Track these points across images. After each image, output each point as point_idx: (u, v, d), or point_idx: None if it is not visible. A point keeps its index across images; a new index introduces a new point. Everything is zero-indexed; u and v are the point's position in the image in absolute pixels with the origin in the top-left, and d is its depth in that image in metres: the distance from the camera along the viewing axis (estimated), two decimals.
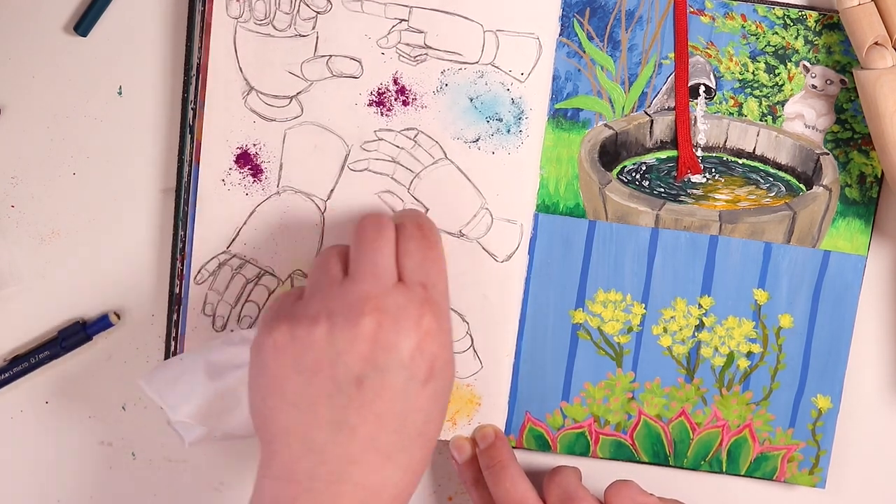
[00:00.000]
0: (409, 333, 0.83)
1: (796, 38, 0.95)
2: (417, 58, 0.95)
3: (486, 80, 0.95)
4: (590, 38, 0.96)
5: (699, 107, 0.96)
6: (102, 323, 0.98)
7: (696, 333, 0.98)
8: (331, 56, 0.94)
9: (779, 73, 0.96)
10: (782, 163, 0.97)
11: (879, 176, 0.96)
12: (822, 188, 0.97)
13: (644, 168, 0.97)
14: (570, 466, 0.96)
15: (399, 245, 0.87)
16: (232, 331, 0.96)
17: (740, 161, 0.97)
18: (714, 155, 0.97)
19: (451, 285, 0.95)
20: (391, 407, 0.83)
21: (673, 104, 0.96)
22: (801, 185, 0.97)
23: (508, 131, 0.95)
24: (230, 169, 0.95)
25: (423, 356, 0.83)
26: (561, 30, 0.95)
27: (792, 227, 0.97)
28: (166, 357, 0.98)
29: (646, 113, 0.96)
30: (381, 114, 0.95)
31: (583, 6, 0.95)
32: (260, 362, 0.85)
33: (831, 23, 0.95)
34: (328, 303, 0.84)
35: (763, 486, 1.01)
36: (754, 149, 0.97)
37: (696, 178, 0.97)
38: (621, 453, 0.99)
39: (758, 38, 0.95)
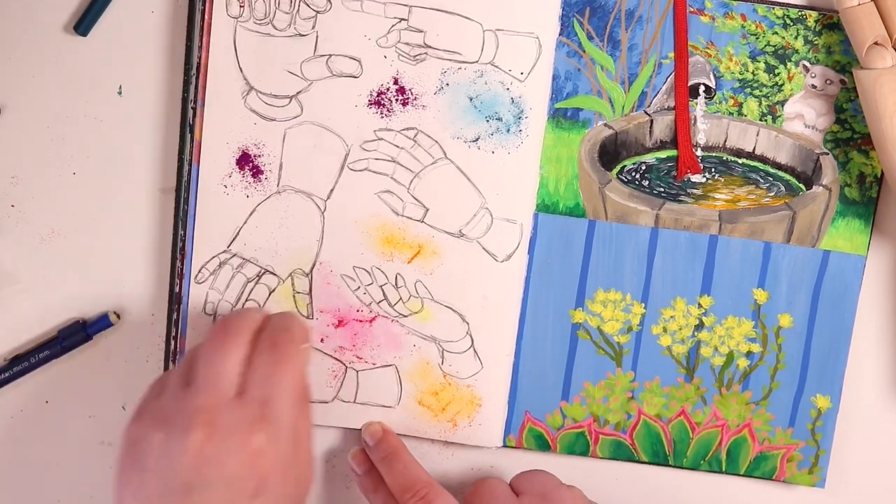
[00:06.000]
0: (235, 452, 0.84)
1: (796, 37, 0.95)
2: (417, 57, 0.95)
3: (485, 79, 0.95)
4: (589, 38, 0.96)
5: (699, 106, 0.96)
6: (102, 323, 0.98)
7: (695, 333, 0.98)
8: (330, 55, 0.94)
9: (779, 73, 0.96)
10: (782, 163, 0.97)
11: (879, 176, 0.96)
12: (821, 188, 0.97)
13: (644, 168, 0.97)
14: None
15: (250, 355, 0.88)
16: None
17: (740, 161, 0.97)
18: (714, 155, 0.97)
19: (452, 285, 0.95)
20: None
21: (673, 104, 0.96)
22: (800, 185, 0.97)
23: (508, 131, 0.95)
24: (231, 172, 0.95)
25: (250, 474, 0.85)
26: (561, 29, 0.95)
27: (791, 227, 0.97)
28: (166, 357, 0.98)
29: (646, 112, 0.96)
30: (381, 114, 0.95)
31: (583, 6, 0.95)
32: (120, 449, 0.88)
33: (831, 23, 0.95)
34: (168, 409, 0.86)
35: (762, 486, 1.01)
36: (754, 148, 0.97)
37: (696, 178, 0.97)
38: (621, 453, 0.99)
39: (758, 38, 0.95)
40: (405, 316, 0.97)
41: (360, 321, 0.97)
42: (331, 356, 0.97)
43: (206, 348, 0.88)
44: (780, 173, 0.97)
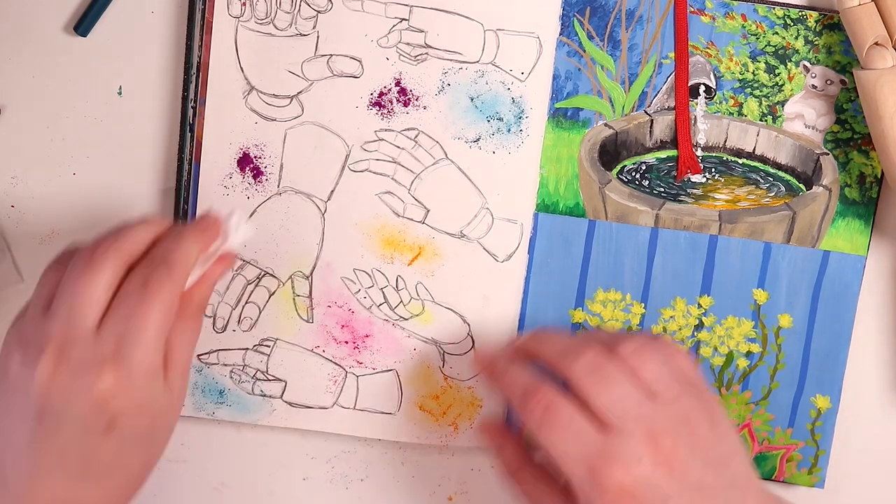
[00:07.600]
0: (82, 391, 0.81)
1: (796, 38, 0.95)
2: (418, 57, 0.95)
3: (486, 79, 0.95)
4: (590, 38, 0.96)
5: (699, 106, 0.96)
6: None
7: (695, 333, 0.98)
8: (331, 55, 0.94)
9: (779, 73, 0.96)
10: (782, 163, 0.97)
11: (879, 176, 0.96)
12: (821, 188, 0.97)
13: (644, 168, 0.97)
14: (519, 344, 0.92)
15: (118, 290, 0.83)
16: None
17: (740, 161, 0.97)
18: (714, 155, 0.97)
19: (453, 286, 0.95)
20: (70, 448, 0.81)
21: (673, 104, 0.96)
22: (800, 185, 0.97)
23: (509, 131, 0.95)
24: (231, 173, 0.95)
25: (99, 413, 0.81)
26: (561, 29, 0.95)
27: (791, 227, 0.97)
28: None
29: (646, 112, 0.96)
30: (382, 115, 0.95)
31: (583, 5, 0.95)
32: None
33: (831, 23, 0.95)
34: (27, 331, 0.83)
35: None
36: (754, 149, 0.97)
37: (696, 178, 0.97)
38: None
39: (758, 38, 0.95)
40: (406, 319, 0.97)
41: (361, 325, 0.97)
42: (331, 361, 0.97)
43: (70, 271, 0.82)
44: (781, 173, 0.97)
